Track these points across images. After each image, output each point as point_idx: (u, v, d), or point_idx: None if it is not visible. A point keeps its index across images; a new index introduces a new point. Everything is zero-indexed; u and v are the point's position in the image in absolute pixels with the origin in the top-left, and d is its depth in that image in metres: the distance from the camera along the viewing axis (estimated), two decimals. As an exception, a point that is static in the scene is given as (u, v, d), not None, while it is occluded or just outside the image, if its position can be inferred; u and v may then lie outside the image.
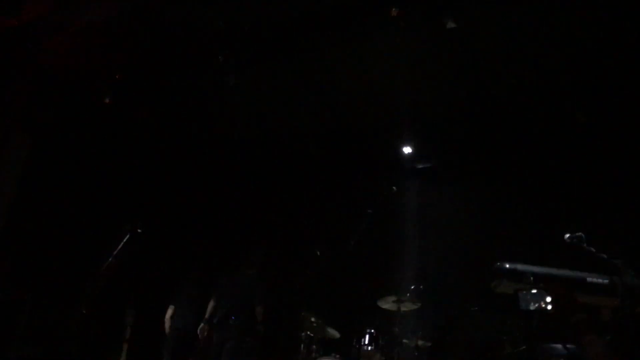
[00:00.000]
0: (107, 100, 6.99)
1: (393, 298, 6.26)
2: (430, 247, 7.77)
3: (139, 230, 5.61)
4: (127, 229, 5.61)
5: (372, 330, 6.30)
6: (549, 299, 2.26)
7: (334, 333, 6.51)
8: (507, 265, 3.55)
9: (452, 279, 7.12)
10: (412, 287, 6.60)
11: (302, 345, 6.36)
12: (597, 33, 5.81)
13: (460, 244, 7.51)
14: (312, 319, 6.40)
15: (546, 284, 3.48)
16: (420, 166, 8.57)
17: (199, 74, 6.99)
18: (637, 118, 6.49)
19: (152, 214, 7.46)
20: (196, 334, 6.61)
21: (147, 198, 7.82)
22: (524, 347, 4.54)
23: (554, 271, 3.57)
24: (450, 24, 5.72)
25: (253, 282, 6.58)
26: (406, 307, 6.28)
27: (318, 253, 6.58)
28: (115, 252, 5.51)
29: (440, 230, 7.88)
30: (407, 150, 8.23)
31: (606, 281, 3.47)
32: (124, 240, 5.55)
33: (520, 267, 3.56)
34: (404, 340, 6.21)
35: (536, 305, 2.32)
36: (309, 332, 6.44)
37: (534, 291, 2.32)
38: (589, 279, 3.50)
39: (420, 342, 6.10)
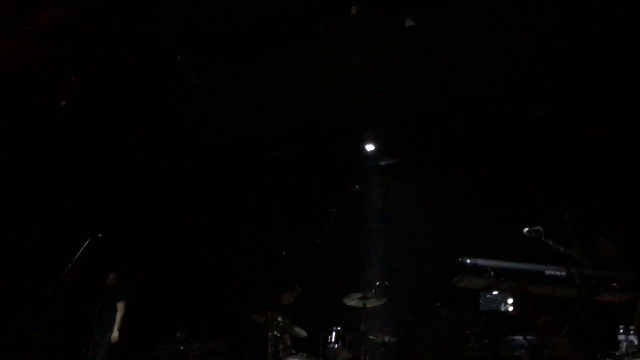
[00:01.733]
0: (63, 102, 6.83)
1: (359, 295, 6.29)
2: (396, 243, 7.84)
3: (99, 236, 5.51)
4: (88, 234, 5.51)
5: (339, 328, 6.33)
6: (510, 301, 2.30)
7: (300, 332, 6.51)
8: (468, 261, 3.61)
9: (418, 274, 7.20)
10: (378, 284, 6.65)
11: (269, 345, 6.34)
12: (555, 29, 5.93)
13: (425, 240, 7.61)
14: (279, 319, 6.39)
15: (507, 279, 3.56)
16: (384, 163, 8.63)
17: (159, 74, 6.87)
18: (594, 113, 6.68)
19: (114, 218, 7.33)
20: None
21: (108, 202, 7.67)
22: (487, 340, 4.63)
23: (513, 265, 3.65)
24: (409, 22, 5.78)
25: None
26: (372, 303, 6.32)
27: (284, 253, 6.56)
28: (75, 258, 5.41)
29: (405, 226, 7.97)
30: (370, 147, 8.28)
31: (564, 273, 3.56)
32: (85, 246, 5.45)
33: (481, 262, 3.62)
34: (371, 337, 6.25)
35: (498, 306, 2.36)
36: (276, 332, 6.42)
37: (496, 292, 2.36)
38: (547, 272, 3.59)
39: (386, 338, 6.15)
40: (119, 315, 7.18)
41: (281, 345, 6.30)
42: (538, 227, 3.81)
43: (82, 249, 5.46)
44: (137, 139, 7.86)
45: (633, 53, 5.92)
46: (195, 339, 7.03)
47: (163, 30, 6.35)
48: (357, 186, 5.36)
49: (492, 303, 2.38)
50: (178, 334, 7.05)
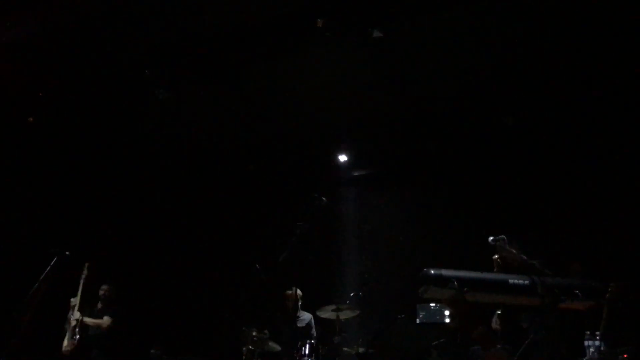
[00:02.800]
0: (30, 119, 6.74)
1: (332, 307, 6.27)
2: (369, 254, 7.85)
3: (67, 254, 5.41)
4: (55, 252, 5.41)
5: (312, 341, 6.30)
6: (447, 313, 2.33)
7: (274, 346, 6.47)
8: (433, 272, 3.65)
9: (391, 285, 7.21)
10: (352, 295, 6.64)
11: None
12: (519, 41, 6.02)
13: (398, 250, 7.64)
14: (254, 334, 6.35)
15: (471, 289, 3.59)
16: (357, 174, 8.66)
17: (128, 89, 6.83)
18: (560, 125, 6.78)
19: (81, 236, 7.22)
20: None
21: (76, 220, 7.55)
22: (450, 352, 4.64)
23: (477, 275, 3.69)
24: (377, 34, 5.82)
25: None
26: (345, 315, 6.31)
27: (258, 267, 6.52)
28: (42, 277, 5.30)
29: (378, 237, 7.99)
30: (343, 159, 8.30)
31: (527, 282, 3.61)
32: (52, 265, 5.34)
33: (445, 272, 3.66)
34: (345, 349, 6.23)
35: (435, 319, 2.39)
36: (250, 347, 6.38)
37: (433, 305, 2.39)
38: (510, 281, 3.64)
39: (360, 350, 6.13)
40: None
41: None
42: (502, 236, 3.86)
43: (49, 268, 5.36)
44: (107, 155, 7.77)
45: (601, 64, 6.03)
46: (169, 356, 6.94)
47: (132, 46, 6.32)
48: (323, 198, 5.35)
49: (430, 316, 2.42)
50: (152, 351, 6.97)
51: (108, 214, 7.93)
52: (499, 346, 2.08)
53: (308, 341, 6.12)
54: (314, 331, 6.61)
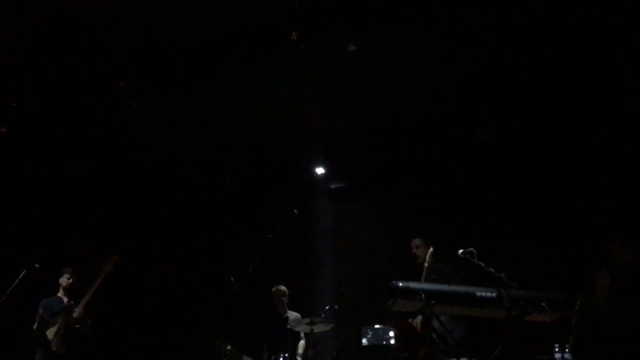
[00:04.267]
0: (2, 129, 6.65)
1: (306, 320, 6.24)
2: (345, 266, 7.84)
3: (36, 266, 5.32)
4: (25, 264, 5.32)
5: (286, 355, 6.26)
6: (392, 334, 2.35)
7: (248, 360, 6.44)
8: (401, 284, 3.66)
9: (367, 298, 7.19)
10: (327, 308, 6.61)
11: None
12: (492, 54, 6.10)
13: (374, 263, 7.64)
14: (228, 347, 6.30)
15: (438, 302, 3.60)
16: (333, 186, 8.68)
17: (102, 99, 6.77)
18: (533, 138, 6.87)
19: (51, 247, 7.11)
20: None
21: (45, 230, 7.44)
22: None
23: (444, 288, 3.71)
24: (351, 47, 5.86)
25: None
26: (319, 329, 6.27)
27: (232, 279, 6.46)
28: (10, 290, 5.21)
29: (353, 250, 7.99)
30: (320, 171, 8.32)
31: (494, 294, 3.64)
32: (21, 277, 5.25)
33: (413, 285, 3.67)
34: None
35: (380, 340, 2.41)
36: (223, 360, 6.33)
37: (378, 326, 2.41)
38: (478, 293, 3.66)
39: (334, 363, 6.10)
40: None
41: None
42: (471, 249, 3.88)
43: (18, 280, 5.27)
44: (77, 165, 7.67)
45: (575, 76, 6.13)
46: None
47: (105, 54, 6.28)
48: (294, 210, 5.34)
49: (375, 337, 2.43)
50: None
51: (79, 224, 7.81)
52: None
53: (282, 355, 6.10)
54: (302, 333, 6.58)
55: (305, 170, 8.30)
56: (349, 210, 8.39)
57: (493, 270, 3.66)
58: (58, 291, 6.45)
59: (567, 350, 4.39)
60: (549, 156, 6.70)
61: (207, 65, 6.42)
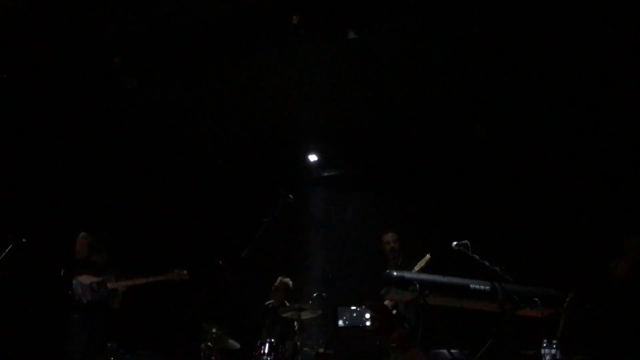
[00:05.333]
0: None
1: (294, 306, 6.22)
2: (335, 254, 7.84)
3: (23, 240, 5.26)
4: (10, 238, 5.26)
5: (272, 340, 6.25)
6: (367, 315, 2.35)
7: (234, 344, 6.40)
8: (395, 274, 3.64)
9: (356, 286, 7.21)
10: (315, 295, 6.60)
11: (201, 357, 6.21)
12: (491, 50, 6.09)
13: (364, 252, 7.63)
14: (213, 330, 6.27)
15: (432, 292, 3.60)
16: (326, 174, 8.65)
17: (96, 77, 6.68)
18: (529, 134, 6.88)
19: (38, 221, 7.02)
20: None
21: (33, 205, 7.33)
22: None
23: (439, 279, 3.70)
24: (352, 35, 5.82)
25: None
26: (307, 315, 6.26)
27: (220, 262, 6.43)
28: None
29: (345, 237, 7.99)
30: (313, 158, 8.29)
31: (487, 287, 3.63)
32: (7, 251, 5.20)
33: (407, 275, 3.66)
34: (305, 349, 6.19)
35: (356, 322, 2.42)
36: (209, 344, 6.30)
37: (353, 308, 2.41)
38: (472, 286, 3.65)
39: (320, 351, 6.09)
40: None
41: (213, 357, 6.18)
42: (466, 242, 3.88)
43: (4, 254, 5.22)
44: (68, 145, 7.55)
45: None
46: (126, 351, 6.79)
47: (100, 32, 6.19)
48: (290, 196, 5.32)
49: (351, 319, 2.43)
50: (109, 345, 6.79)
51: (72, 204, 7.71)
52: (415, 349, 2.09)
53: (268, 340, 6.08)
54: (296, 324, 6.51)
55: (298, 157, 8.26)
56: (340, 198, 8.37)
57: (487, 264, 3.66)
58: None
59: (554, 346, 4.43)
60: (545, 152, 6.71)
61: (203, 49, 6.37)
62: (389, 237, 6.25)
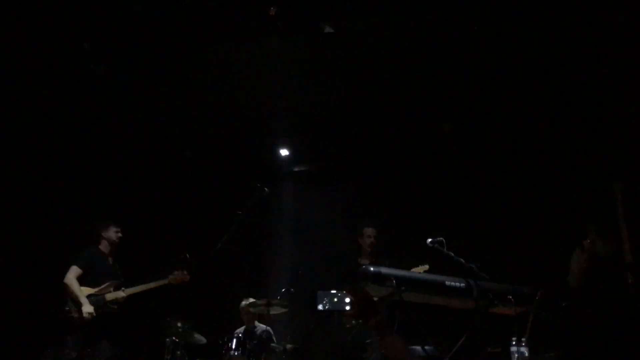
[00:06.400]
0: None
1: (263, 301, 6.18)
2: (304, 250, 7.79)
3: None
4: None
5: (240, 335, 6.18)
6: (347, 300, 2.33)
7: (200, 338, 6.32)
8: (372, 269, 3.60)
9: (325, 282, 7.17)
10: (283, 290, 6.56)
11: (166, 352, 6.11)
12: (465, 46, 6.12)
13: (333, 248, 7.61)
14: (178, 324, 6.18)
15: (408, 288, 3.58)
16: (297, 169, 8.60)
17: (64, 63, 6.46)
18: (502, 131, 6.95)
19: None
20: None
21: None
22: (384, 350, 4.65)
23: (415, 275, 3.68)
24: (328, 29, 5.78)
25: None
26: (275, 310, 6.23)
27: (188, 256, 6.33)
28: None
29: (314, 233, 7.95)
30: (284, 153, 8.23)
31: (463, 284, 3.63)
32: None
33: (384, 270, 3.62)
34: (272, 344, 6.15)
35: (336, 306, 2.39)
36: (174, 338, 6.20)
37: (334, 292, 2.39)
38: (447, 283, 3.64)
39: (288, 346, 6.06)
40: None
41: (178, 352, 6.08)
42: (440, 238, 3.88)
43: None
44: (33, 133, 7.29)
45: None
46: (87, 344, 6.61)
47: (69, 16, 5.98)
48: (265, 189, 5.26)
49: (331, 303, 2.40)
50: (68, 338, 6.60)
51: (39, 195, 7.47)
52: (393, 335, 2.09)
53: (236, 334, 6.02)
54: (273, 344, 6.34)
55: (269, 151, 8.19)
56: (309, 193, 8.33)
57: (463, 261, 3.67)
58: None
59: (523, 343, 4.47)
60: (518, 150, 6.78)
61: (175, 37, 6.22)
62: (370, 231, 6.26)
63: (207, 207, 8.08)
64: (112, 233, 6.42)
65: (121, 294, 6.10)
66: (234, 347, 5.98)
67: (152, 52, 6.43)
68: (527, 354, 4.37)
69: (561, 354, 4.14)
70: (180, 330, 6.16)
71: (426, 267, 5.51)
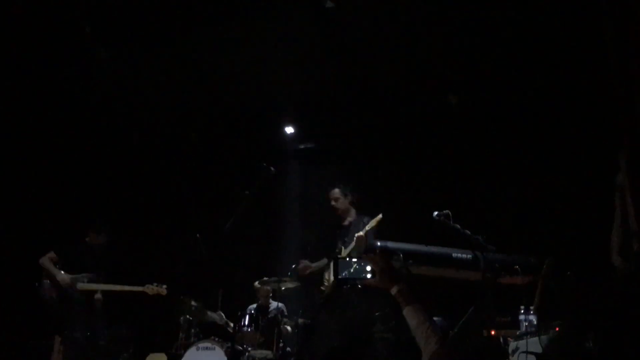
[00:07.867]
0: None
1: (274, 278, 6.25)
2: (312, 226, 7.83)
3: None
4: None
5: (252, 312, 6.27)
6: (369, 268, 2.32)
7: (214, 316, 6.42)
8: (379, 243, 3.65)
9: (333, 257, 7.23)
10: (293, 267, 6.62)
11: (180, 330, 6.23)
12: (471, 20, 6.07)
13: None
14: (192, 303, 6.28)
15: (415, 262, 3.62)
16: (302, 147, 8.61)
17: (65, 47, 6.46)
18: (506, 102, 6.91)
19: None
20: None
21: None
22: (393, 322, 4.72)
23: (422, 248, 3.71)
24: (329, 4, 5.75)
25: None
26: (286, 286, 6.30)
27: (198, 236, 6.40)
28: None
29: (321, 210, 7.98)
30: (290, 130, 8.23)
31: (470, 256, 3.66)
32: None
33: (391, 244, 3.66)
34: (284, 320, 6.24)
35: (357, 275, 2.38)
36: (188, 316, 6.31)
37: (355, 260, 2.37)
38: (454, 255, 3.68)
39: (300, 321, 6.15)
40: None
41: (193, 330, 6.19)
42: (447, 211, 3.90)
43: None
44: (37, 120, 7.32)
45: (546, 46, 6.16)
46: (103, 325, 6.74)
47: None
48: (272, 168, 5.28)
49: (352, 272, 2.40)
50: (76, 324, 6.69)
51: (40, 186, 7.52)
52: (417, 304, 2.10)
53: (248, 311, 6.11)
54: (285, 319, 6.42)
55: (274, 129, 8.19)
56: (316, 171, 8.34)
57: (469, 233, 3.69)
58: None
59: (531, 312, 4.52)
60: (523, 121, 6.74)
61: (177, 18, 6.21)
62: (331, 193, 5.91)
63: (214, 188, 8.12)
64: (94, 237, 6.41)
65: (93, 286, 6.14)
66: (246, 323, 6.07)
67: (155, 33, 6.41)
68: (535, 322, 4.44)
69: (570, 322, 4.18)
70: (193, 308, 6.26)
71: (379, 217, 5.31)
